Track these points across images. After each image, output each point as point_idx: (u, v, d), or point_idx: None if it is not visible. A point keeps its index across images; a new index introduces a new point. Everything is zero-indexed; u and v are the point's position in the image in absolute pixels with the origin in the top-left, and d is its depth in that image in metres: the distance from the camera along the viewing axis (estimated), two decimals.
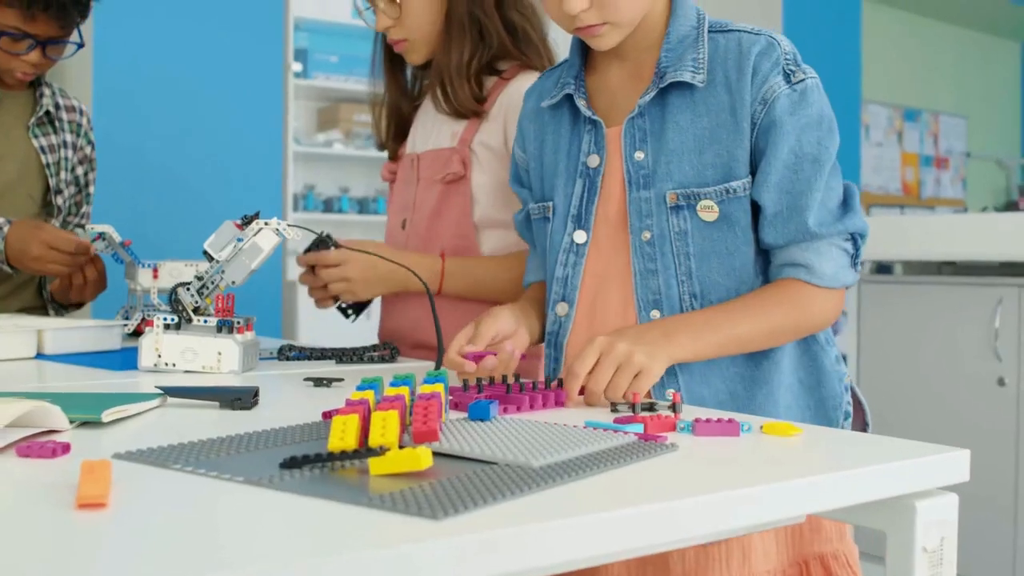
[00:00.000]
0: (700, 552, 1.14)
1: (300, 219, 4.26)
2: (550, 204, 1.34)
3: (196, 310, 1.36)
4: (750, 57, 1.20)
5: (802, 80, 1.20)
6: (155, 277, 1.78)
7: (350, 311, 1.67)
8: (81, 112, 2.11)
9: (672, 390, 1.16)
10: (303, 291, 3.97)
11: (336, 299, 1.62)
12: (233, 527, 0.62)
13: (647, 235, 1.23)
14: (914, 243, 3.00)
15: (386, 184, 1.85)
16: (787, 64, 1.20)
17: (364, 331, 1.94)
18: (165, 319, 1.34)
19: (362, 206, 4.60)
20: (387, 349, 1.53)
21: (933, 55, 7.29)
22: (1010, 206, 5.26)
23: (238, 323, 1.35)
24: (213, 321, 1.34)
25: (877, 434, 0.99)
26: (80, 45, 1.93)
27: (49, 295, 2.04)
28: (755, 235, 1.22)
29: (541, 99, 1.38)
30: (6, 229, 1.81)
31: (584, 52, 1.35)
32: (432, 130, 1.69)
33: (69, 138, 2.06)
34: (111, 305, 1.98)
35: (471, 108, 1.62)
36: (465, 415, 0.98)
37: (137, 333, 1.72)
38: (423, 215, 1.67)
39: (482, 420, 0.95)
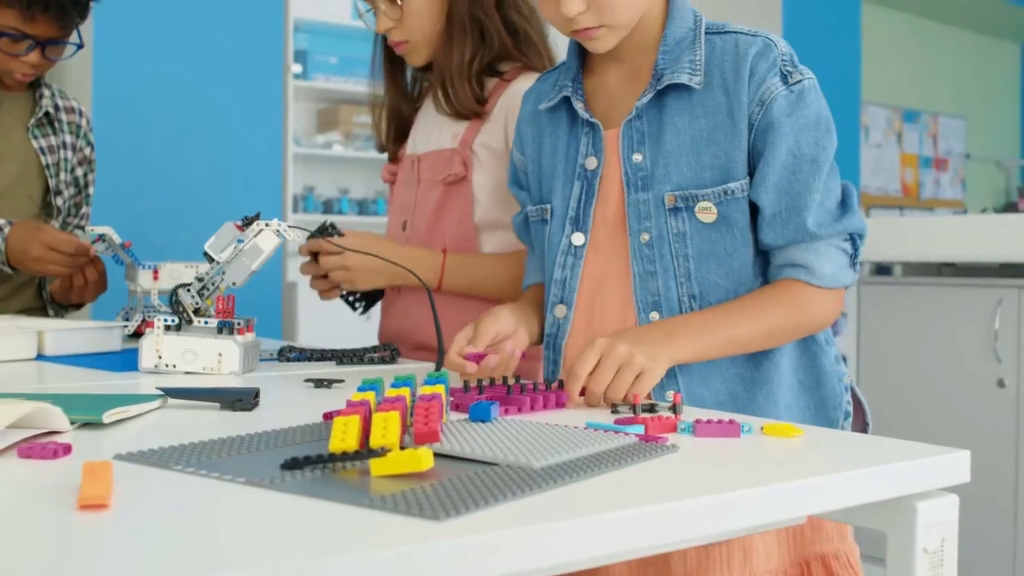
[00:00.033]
0: (701, 553, 1.14)
1: (300, 220, 4.26)
2: (548, 206, 1.34)
3: (196, 311, 1.36)
4: (747, 58, 1.20)
5: (799, 81, 1.20)
6: (155, 278, 1.78)
7: (358, 304, 1.66)
8: (80, 113, 2.11)
9: (672, 391, 1.16)
10: (303, 292, 4.01)
11: (342, 291, 1.62)
12: (234, 528, 0.62)
13: (646, 237, 1.23)
14: (913, 244, 3.00)
15: (386, 185, 1.85)
16: (784, 65, 1.21)
17: (364, 332, 1.94)
18: (165, 320, 1.34)
19: (362, 207, 4.60)
20: (387, 350, 1.53)
21: (932, 56, 7.29)
22: (1009, 207, 5.27)
23: (238, 324, 1.35)
24: (213, 322, 1.34)
25: (877, 435, 0.99)
26: (80, 46, 1.92)
27: (49, 296, 2.04)
28: (754, 236, 1.22)
29: (539, 101, 1.38)
30: (7, 230, 1.81)
31: (582, 54, 1.35)
32: (433, 131, 1.69)
33: (69, 139, 2.06)
34: (111, 306, 1.98)
35: (472, 109, 1.62)
36: (466, 416, 0.98)
37: (137, 334, 1.72)
38: (424, 216, 1.67)
39: (483, 421, 0.95)
